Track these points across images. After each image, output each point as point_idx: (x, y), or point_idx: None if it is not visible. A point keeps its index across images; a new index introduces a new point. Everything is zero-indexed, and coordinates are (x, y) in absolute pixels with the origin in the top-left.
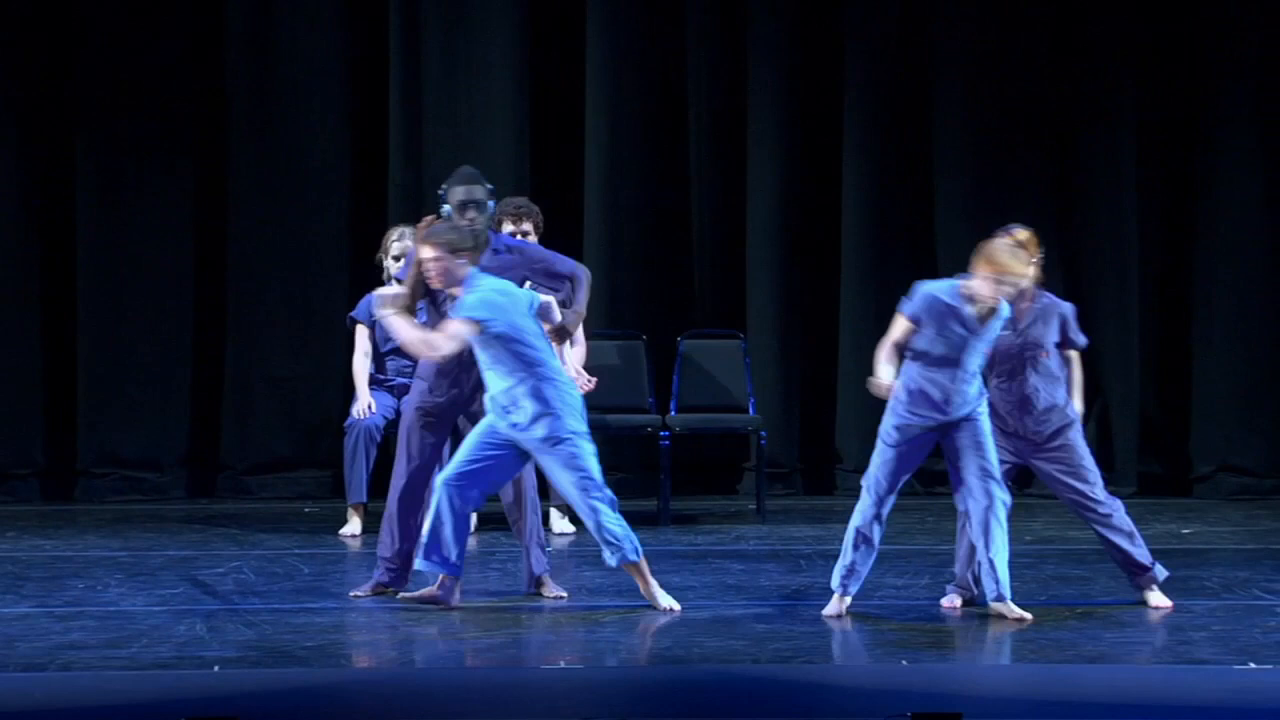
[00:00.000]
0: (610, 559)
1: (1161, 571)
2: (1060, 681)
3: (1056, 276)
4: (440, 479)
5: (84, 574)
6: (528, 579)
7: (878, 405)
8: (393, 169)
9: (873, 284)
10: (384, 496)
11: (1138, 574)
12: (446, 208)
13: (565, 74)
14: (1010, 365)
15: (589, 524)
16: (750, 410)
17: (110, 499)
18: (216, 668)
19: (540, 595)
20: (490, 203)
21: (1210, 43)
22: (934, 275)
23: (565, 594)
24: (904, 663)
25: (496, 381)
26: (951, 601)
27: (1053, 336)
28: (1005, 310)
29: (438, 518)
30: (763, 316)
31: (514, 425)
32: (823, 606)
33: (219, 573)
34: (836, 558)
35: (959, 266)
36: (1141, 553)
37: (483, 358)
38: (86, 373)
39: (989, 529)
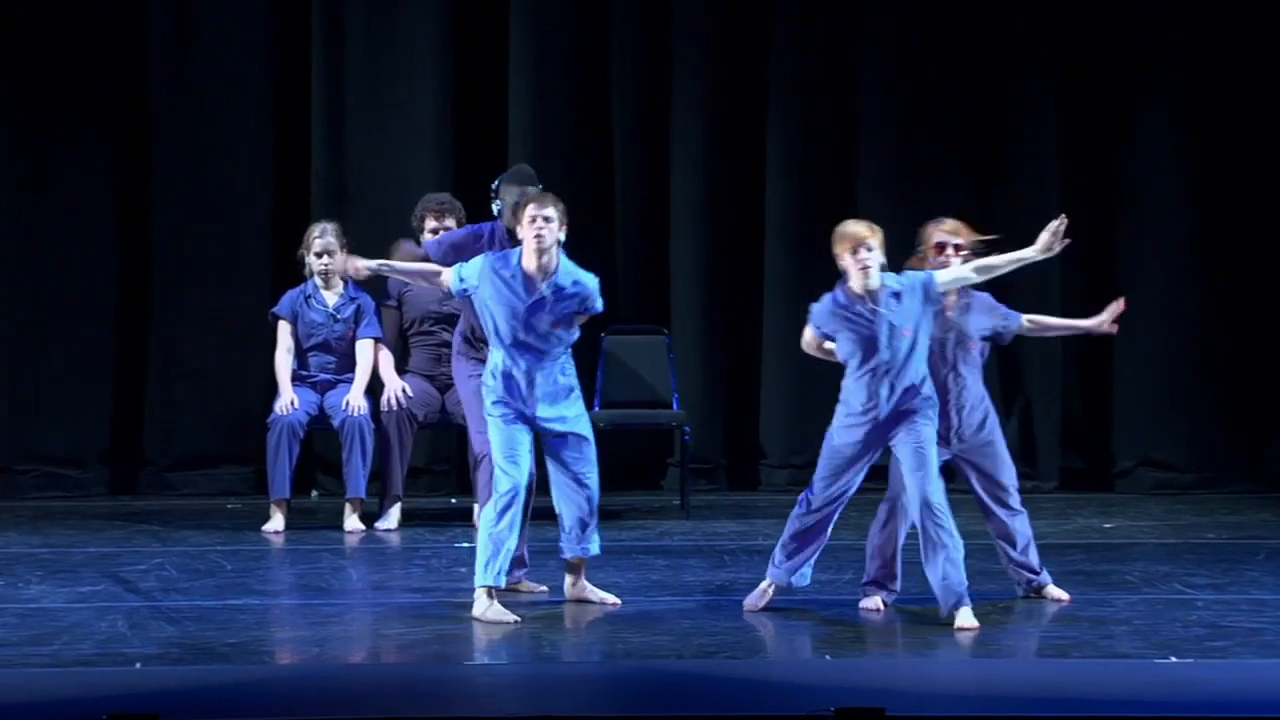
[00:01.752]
0: (596, 549)
1: (1047, 578)
2: (983, 676)
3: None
4: None
5: (5, 571)
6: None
7: (801, 402)
8: (315, 165)
9: (796, 281)
10: (306, 492)
11: (1030, 580)
12: (498, 204)
13: (488, 70)
14: (935, 359)
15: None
16: (674, 406)
17: (32, 495)
18: (138, 665)
19: (518, 592)
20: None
21: (1134, 34)
22: None
23: (545, 589)
24: (827, 658)
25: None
26: (870, 603)
27: (981, 327)
28: (894, 281)
29: None
30: (687, 313)
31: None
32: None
33: (141, 569)
34: (760, 553)
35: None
36: (1032, 559)
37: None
38: (7, 369)
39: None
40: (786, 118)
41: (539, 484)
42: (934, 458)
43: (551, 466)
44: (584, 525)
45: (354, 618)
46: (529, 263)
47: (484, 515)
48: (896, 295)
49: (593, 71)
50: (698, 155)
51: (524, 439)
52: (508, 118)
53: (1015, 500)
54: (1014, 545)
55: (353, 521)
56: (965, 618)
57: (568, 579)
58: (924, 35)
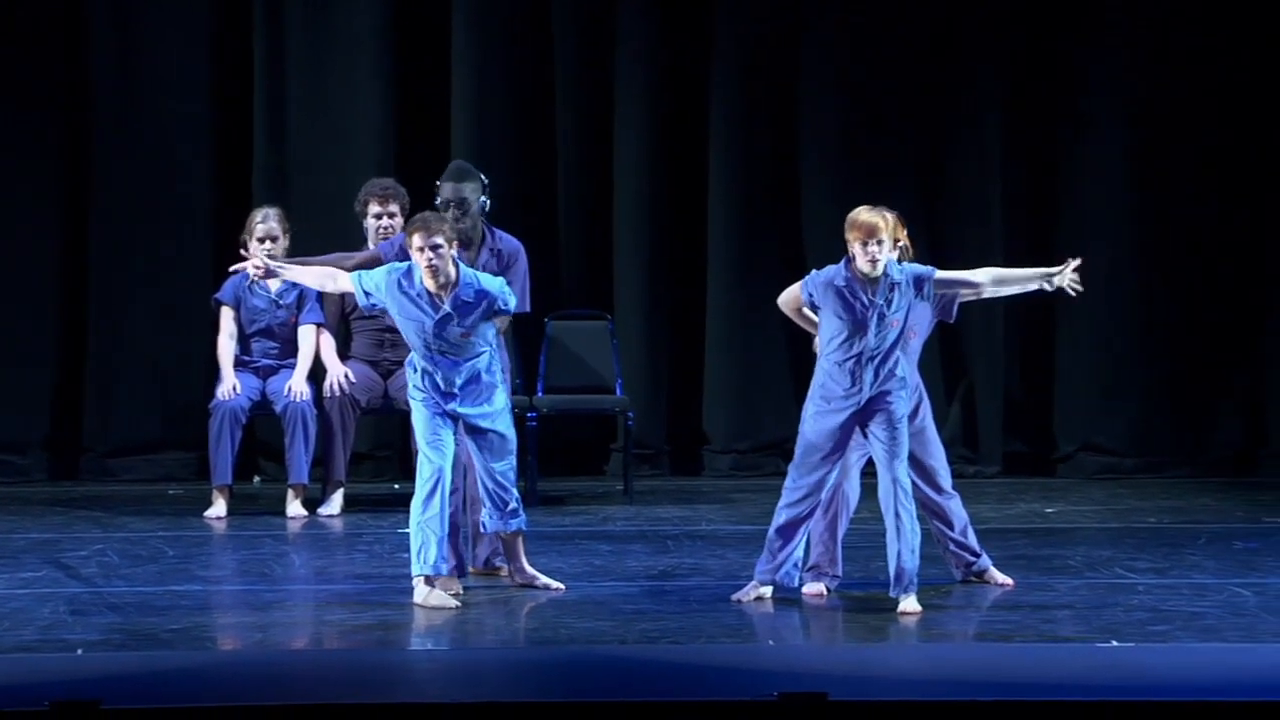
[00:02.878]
0: (520, 524)
1: (987, 561)
2: (925, 660)
3: (922, 259)
4: None
5: None
6: (480, 559)
7: (745, 387)
8: (257, 150)
9: (739, 267)
10: (248, 478)
11: (971, 562)
12: (439, 200)
13: (431, 55)
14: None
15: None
16: (617, 391)
17: None
18: (80, 651)
19: (496, 574)
20: (482, 199)
21: (1074, 29)
22: (800, 258)
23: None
24: (771, 643)
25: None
26: (813, 589)
27: (923, 317)
28: (896, 272)
29: None
30: (630, 298)
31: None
32: (689, 586)
33: (83, 555)
34: (703, 538)
35: (825, 250)
36: (972, 542)
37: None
38: None
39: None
40: (730, 104)
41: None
42: (905, 438)
43: (472, 455)
44: (504, 504)
45: (296, 604)
46: (428, 284)
47: (412, 504)
48: (895, 285)
49: (536, 57)
50: (641, 141)
51: (447, 423)
52: (450, 103)
53: (948, 483)
54: (951, 528)
55: (295, 507)
56: (910, 603)
57: (509, 564)
58: (868, 24)
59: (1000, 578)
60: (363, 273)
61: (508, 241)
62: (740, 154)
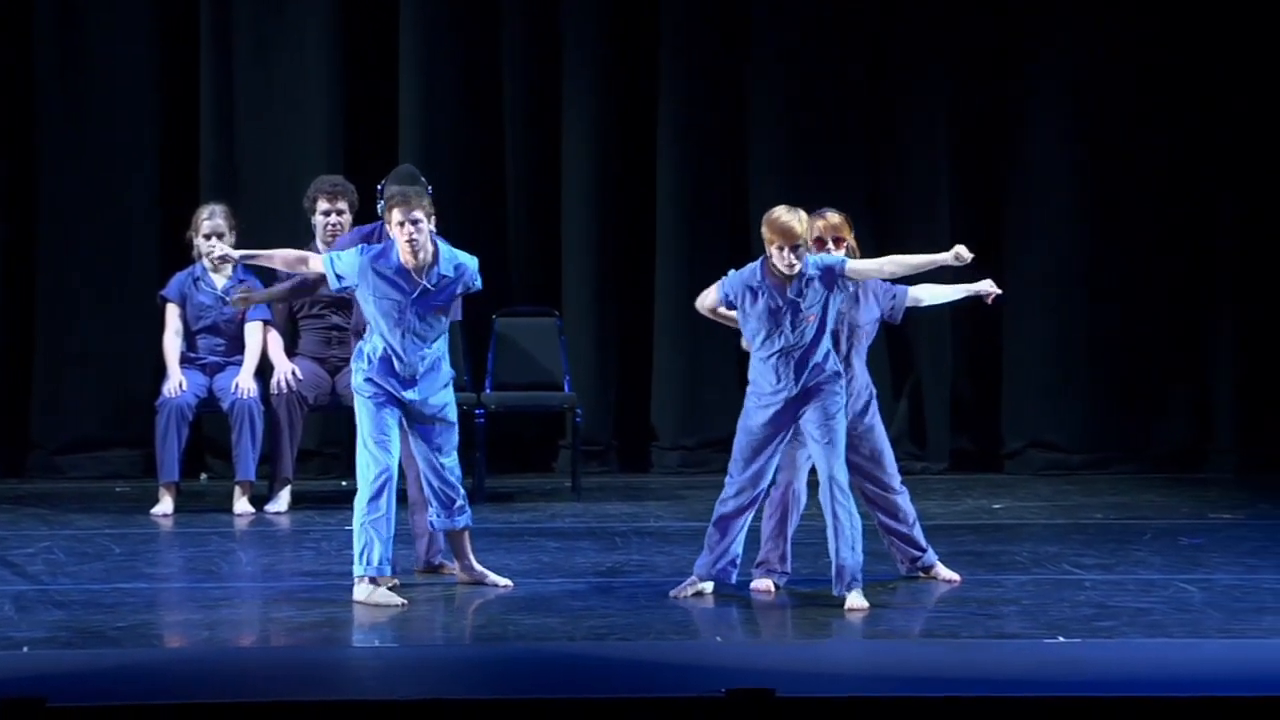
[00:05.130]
0: (466, 521)
1: (934, 557)
2: (871, 656)
3: (869, 253)
4: None
5: None
6: (424, 558)
7: (692, 384)
8: (204, 146)
9: (687, 264)
10: (195, 475)
11: (917, 557)
12: (382, 204)
13: (379, 52)
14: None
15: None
16: (566, 388)
17: None
18: (26, 649)
19: (442, 572)
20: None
21: (1022, 27)
22: (749, 255)
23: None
24: (718, 640)
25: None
26: (762, 585)
27: (871, 318)
28: (810, 267)
29: None
30: (578, 295)
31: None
32: (638, 583)
33: (29, 553)
34: (651, 535)
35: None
36: (919, 537)
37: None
38: None
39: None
40: (678, 100)
41: None
42: (842, 434)
43: (415, 448)
44: (450, 501)
45: (244, 601)
46: (407, 260)
47: (357, 503)
48: (809, 280)
49: (484, 53)
50: (589, 138)
51: (394, 422)
52: (398, 100)
53: (896, 480)
54: (898, 523)
55: (242, 504)
56: (856, 599)
57: (457, 562)
58: (816, 17)
59: (946, 573)
60: (334, 254)
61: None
62: (689, 151)
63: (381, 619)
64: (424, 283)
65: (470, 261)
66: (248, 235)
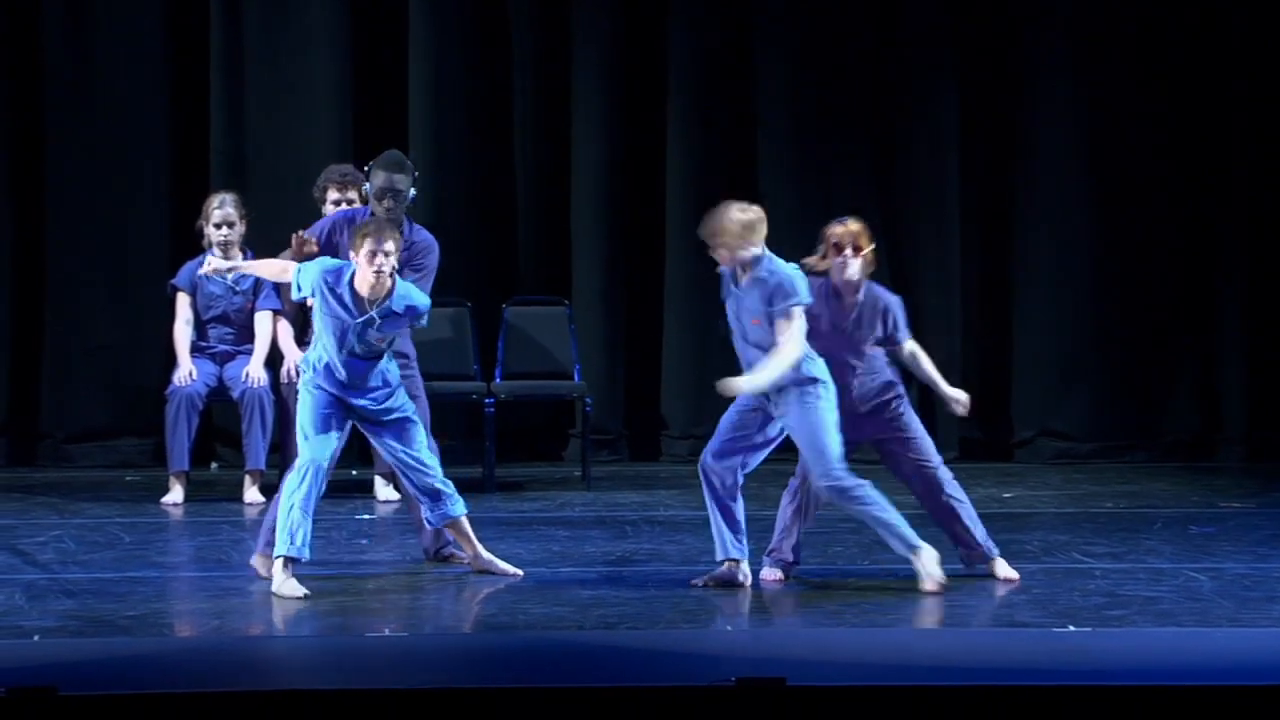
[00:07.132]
0: (459, 510)
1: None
2: (883, 645)
3: (879, 242)
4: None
5: None
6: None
7: (702, 372)
8: (214, 136)
9: (697, 252)
10: (205, 464)
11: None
12: (367, 186)
13: (388, 40)
14: (833, 361)
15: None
16: (575, 377)
17: None
18: (36, 637)
19: (451, 560)
20: (411, 191)
21: (1029, 16)
22: None
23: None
24: (729, 628)
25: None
26: (771, 574)
27: (875, 333)
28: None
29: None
30: (588, 284)
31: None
32: (648, 572)
33: (39, 542)
34: (661, 524)
35: (782, 238)
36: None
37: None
38: None
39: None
40: (687, 92)
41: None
42: (818, 440)
43: (383, 453)
44: (436, 494)
45: (254, 590)
46: (362, 287)
47: (285, 485)
48: (757, 281)
49: (493, 42)
50: (599, 126)
51: (334, 423)
52: (408, 88)
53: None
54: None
55: (252, 493)
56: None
57: (465, 551)
58: (824, 9)
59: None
60: (301, 265)
61: (423, 236)
62: (698, 139)
63: (394, 607)
64: (371, 313)
65: (422, 303)
66: (257, 224)
